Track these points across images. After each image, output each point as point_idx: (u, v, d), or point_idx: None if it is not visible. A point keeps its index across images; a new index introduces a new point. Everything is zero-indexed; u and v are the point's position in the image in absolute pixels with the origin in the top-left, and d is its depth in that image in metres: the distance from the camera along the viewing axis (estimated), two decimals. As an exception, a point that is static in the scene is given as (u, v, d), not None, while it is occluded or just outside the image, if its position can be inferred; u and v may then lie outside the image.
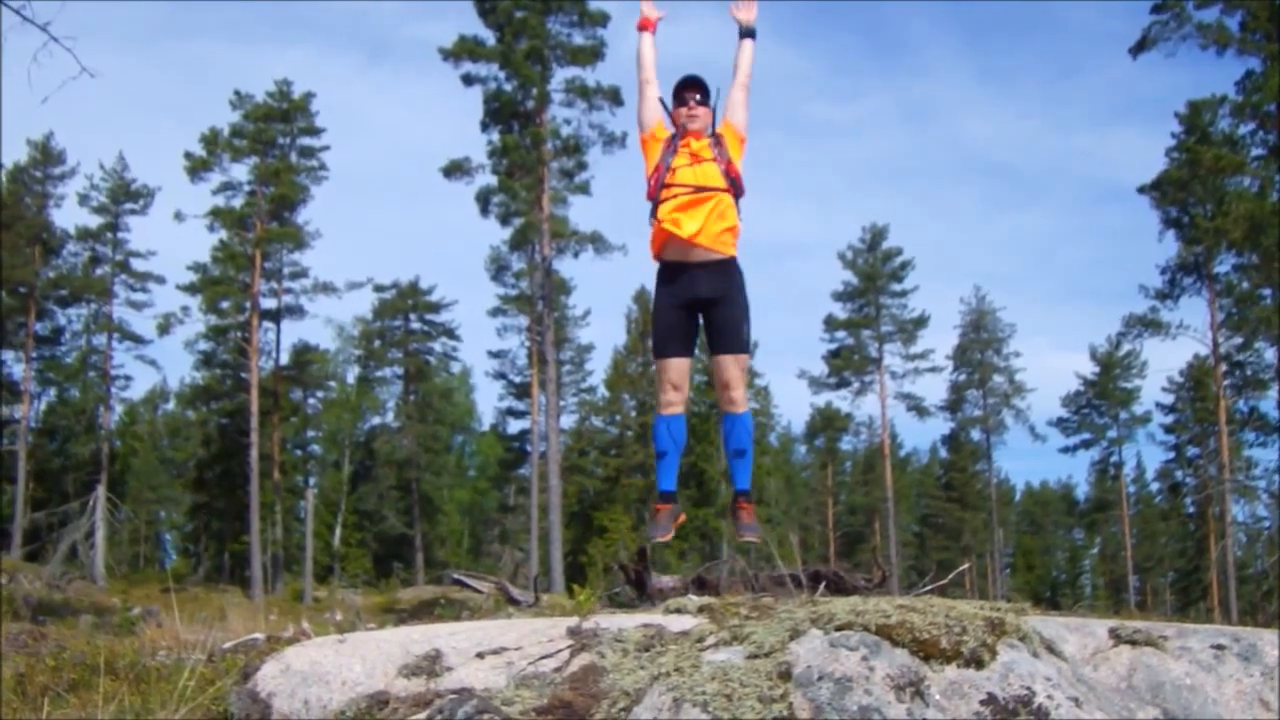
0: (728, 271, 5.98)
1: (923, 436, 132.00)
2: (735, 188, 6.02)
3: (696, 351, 6.29)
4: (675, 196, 5.94)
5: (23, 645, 7.79)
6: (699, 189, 5.92)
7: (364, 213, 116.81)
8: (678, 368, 6.04)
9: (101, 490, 43.77)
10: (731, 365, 6.00)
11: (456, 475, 70.13)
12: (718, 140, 6.08)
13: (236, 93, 49.11)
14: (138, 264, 52.83)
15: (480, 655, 4.08)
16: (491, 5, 41.97)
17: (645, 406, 57.02)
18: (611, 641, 4.00)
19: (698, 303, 5.99)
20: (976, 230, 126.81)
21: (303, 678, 4.03)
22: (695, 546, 52.01)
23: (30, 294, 49.33)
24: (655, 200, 6.02)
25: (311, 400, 58.17)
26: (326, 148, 50.56)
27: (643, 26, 6.30)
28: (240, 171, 48.48)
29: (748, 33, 6.31)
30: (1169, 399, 61.45)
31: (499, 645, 4.15)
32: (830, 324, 59.44)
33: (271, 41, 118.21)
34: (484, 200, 42.09)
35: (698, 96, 6.10)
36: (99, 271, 52.37)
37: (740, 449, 6.14)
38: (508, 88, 42.29)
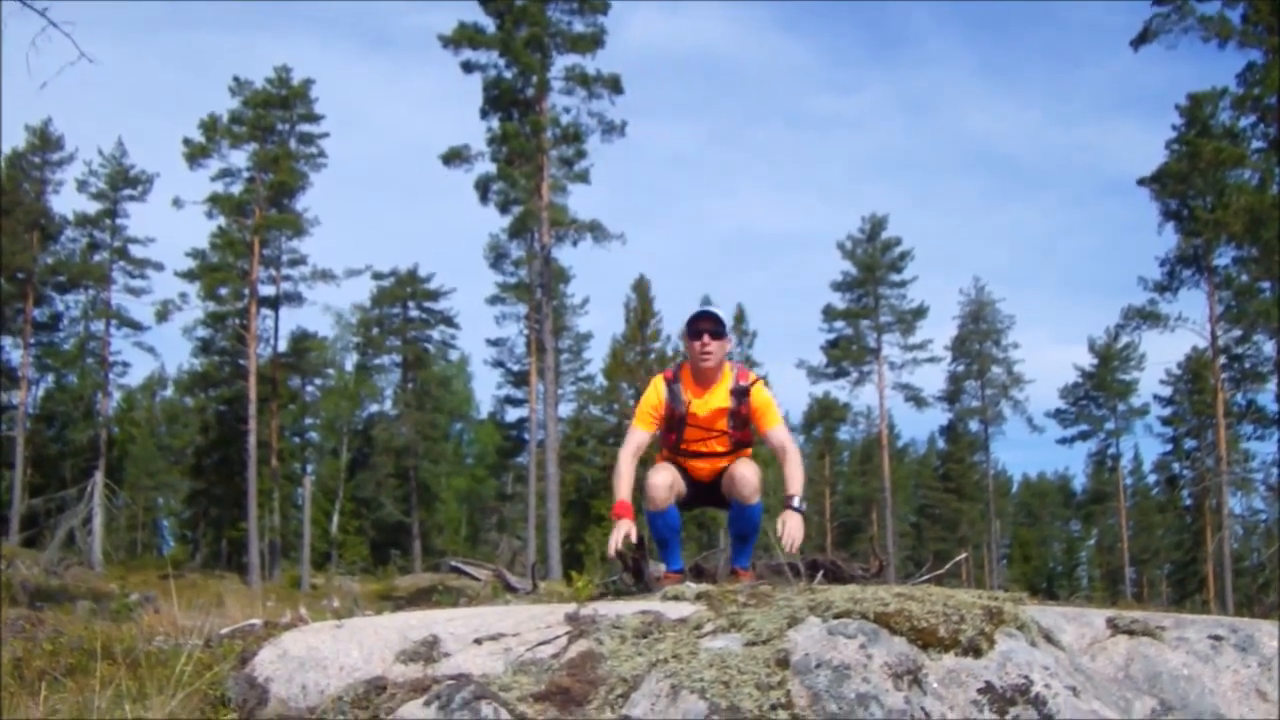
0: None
1: (921, 427, 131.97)
2: (743, 430, 6.12)
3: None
4: (691, 441, 6.11)
5: (20, 630, 7.79)
6: (709, 430, 6.06)
7: (363, 200, 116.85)
8: (673, 482, 6.07)
9: (99, 476, 43.76)
10: (746, 464, 6.05)
11: (454, 463, 70.15)
12: (742, 393, 6.08)
13: (236, 79, 49.06)
14: (136, 250, 52.84)
15: (478, 641, 4.08)
16: (491, -8, 41.95)
17: (643, 395, 56.98)
18: (609, 628, 4.00)
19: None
20: (976, 222, 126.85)
21: (300, 663, 4.03)
22: (693, 535, 52.05)
23: (28, 280, 49.27)
24: (677, 437, 6.16)
25: (310, 387, 58.22)
26: (326, 135, 50.54)
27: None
28: (239, 158, 48.48)
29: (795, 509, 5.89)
30: (1167, 391, 61.64)
31: (497, 631, 4.15)
32: (829, 314, 59.38)
33: (272, 30, 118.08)
34: (483, 188, 42.04)
35: (712, 329, 6.02)
36: (97, 258, 52.30)
37: (744, 534, 6.17)
38: (507, 75, 42.23)
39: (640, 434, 6.08)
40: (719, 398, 6.04)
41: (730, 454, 6.11)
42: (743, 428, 6.09)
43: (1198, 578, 58.79)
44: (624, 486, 5.91)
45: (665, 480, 5.94)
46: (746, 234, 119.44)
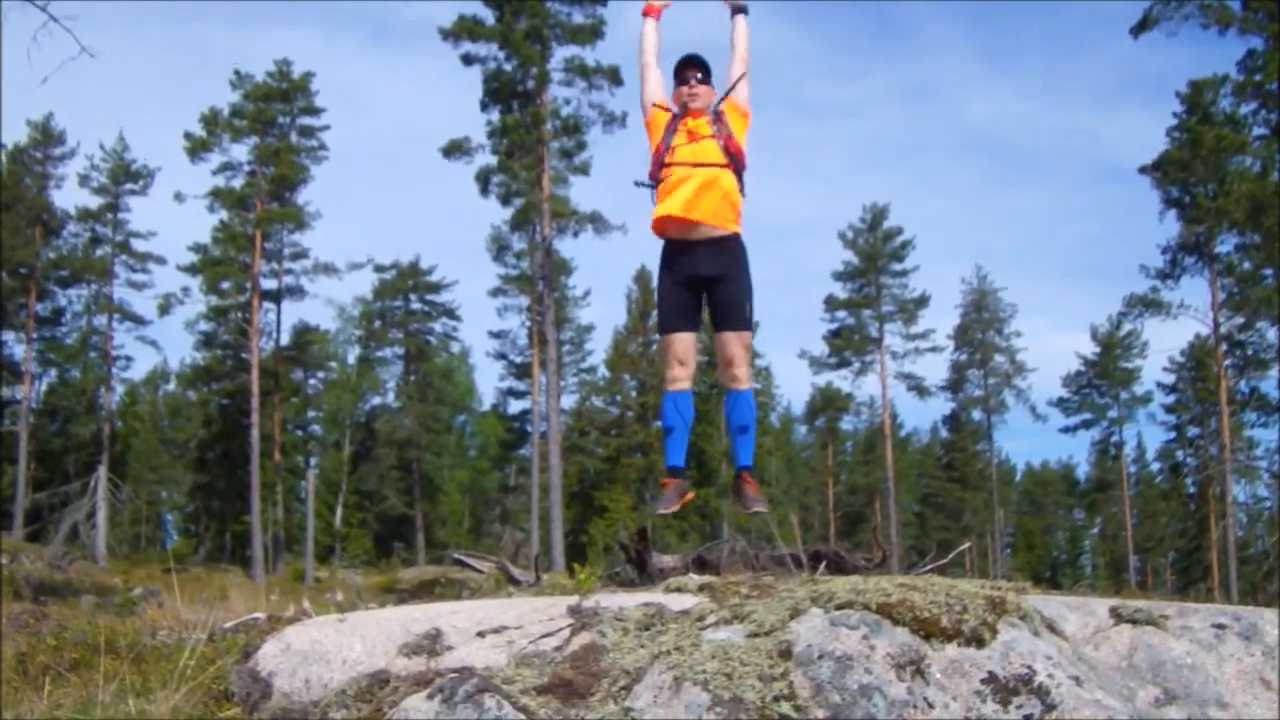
0: (730, 248, 5.97)
1: (923, 416, 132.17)
2: (735, 163, 6.01)
3: (700, 329, 6.31)
4: (674, 174, 5.94)
5: (24, 625, 7.80)
6: (697, 165, 5.90)
7: (364, 193, 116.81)
8: (683, 343, 6.05)
9: (102, 471, 43.74)
10: (734, 342, 6.00)
11: (457, 455, 70.22)
12: (719, 117, 6.06)
13: (236, 72, 49.02)
14: (138, 244, 52.91)
15: (481, 634, 4.09)
16: (491, -16, 41.88)
17: (646, 387, 57.06)
18: (612, 620, 4.00)
19: (700, 280, 5.99)
20: (978, 210, 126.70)
21: (303, 657, 4.04)
22: (696, 526, 52.10)
23: (31, 275, 49.31)
24: (656, 179, 6.03)
25: (312, 381, 58.24)
26: (327, 127, 50.54)
27: (647, 12, 6.26)
28: (240, 152, 48.46)
29: (739, 9, 6.24)
30: (1170, 379, 61.53)
31: (500, 624, 4.15)
32: (831, 304, 59.43)
33: (272, 23, 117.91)
34: (484, 180, 42.02)
35: (698, 75, 6.09)
36: (99, 252, 52.37)
37: (743, 425, 6.16)
38: (507, 67, 42.14)
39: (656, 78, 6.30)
40: (701, 124, 6.04)
41: (719, 166, 5.97)
42: (728, 138, 6.05)
43: (1202, 566, 58.83)
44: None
45: (686, 355, 6.02)
46: (749, 222, 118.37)
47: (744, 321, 6.05)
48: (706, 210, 5.87)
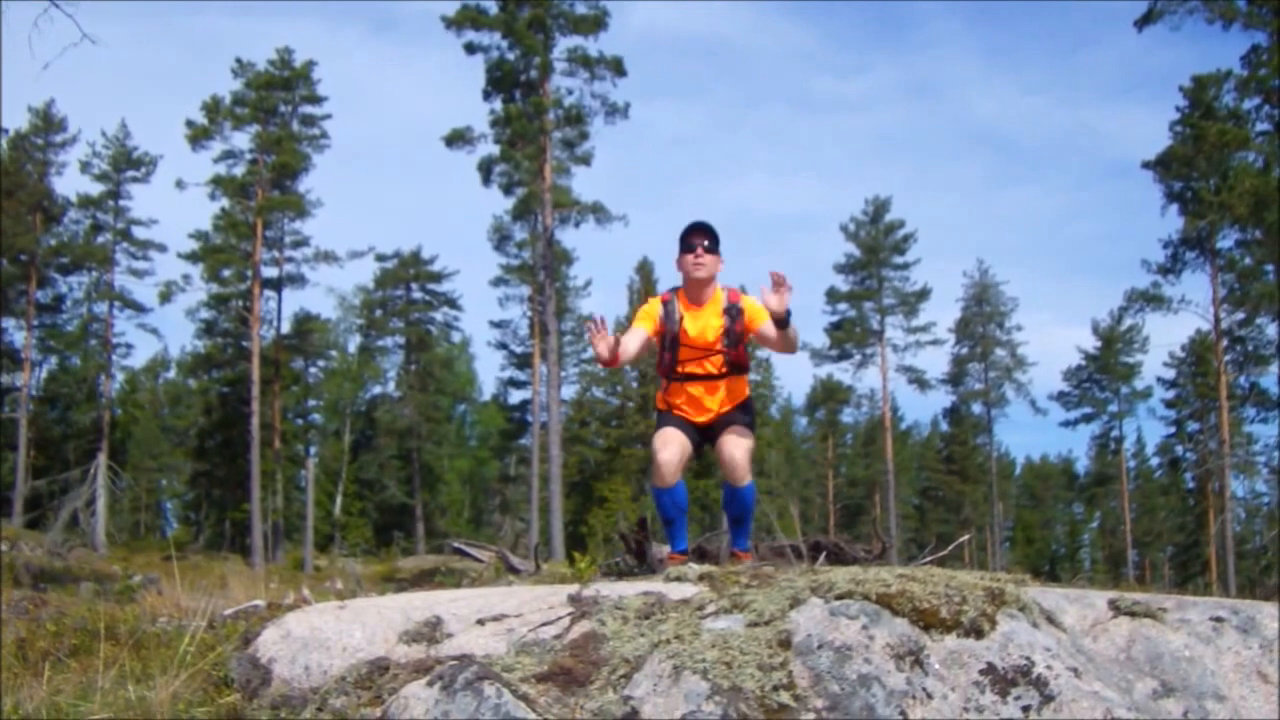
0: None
1: (924, 409, 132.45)
2: (737, 348, 6.10)
3: (695, 446, 6.37)
4: (686, 361, 6.10)
5: (24, 611, 7.80)
6: (706, 349, 6.05)
7: (366, 182, 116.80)
8: (678, 442, 6.06)
9: (102, 458, 43.85)
10: (736, 445, 6.03)
11: (457, 445, 70.26)
12: (736, 311, 6.07)
13: (238, 60, 48.93)
14: (139, 232, 52.77)
15: (481, 622, 4.09)
16: (494, -27, 41.84)
17: (646, 378, 57.02)
18: (612, 609, 4.01)
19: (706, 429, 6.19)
20: (980, 204, 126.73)
21: (303, 643, 4.04)
22: (695, 517, 52.15)
23: (31, 261, 49.24)
24: (672, 358, 6.14)
25: (313, 369, 58.24)
26: (328, 116, 50.45)
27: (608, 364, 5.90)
28: (241, 140, 48.36)
29: (781, 323, 5.79)
30: (1170, 374, 61.52)
31: (500, 612, 4.16)
32: (832, 296, 59.38)
33: (275, 13, 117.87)
34: (486, 170, 42.01)
35: (705, 243, 6.00)
36: (100, 239, 52.26)
37: (739, 517, 6.21)
38: (510, 57, 42.11)
39: (637, 329, 6.10)
40: (712, 317, 6.04)
41: (726, 376, 6.10)
42: (736, 345, 6.08)
43: (1200, 560, 58.89)
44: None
45: (674, 456, 5.95)
46: (749, 216, 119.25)
47: (746, 426, 6.13)
48: (721, 410, 6.15)
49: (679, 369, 6.11)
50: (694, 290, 6.06)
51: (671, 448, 5.97)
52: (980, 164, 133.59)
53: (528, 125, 41.36)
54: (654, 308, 6.12)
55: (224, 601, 9.29)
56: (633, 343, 5.94)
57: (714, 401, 6.10)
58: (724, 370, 6.09)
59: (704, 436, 6.20)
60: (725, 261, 6.12)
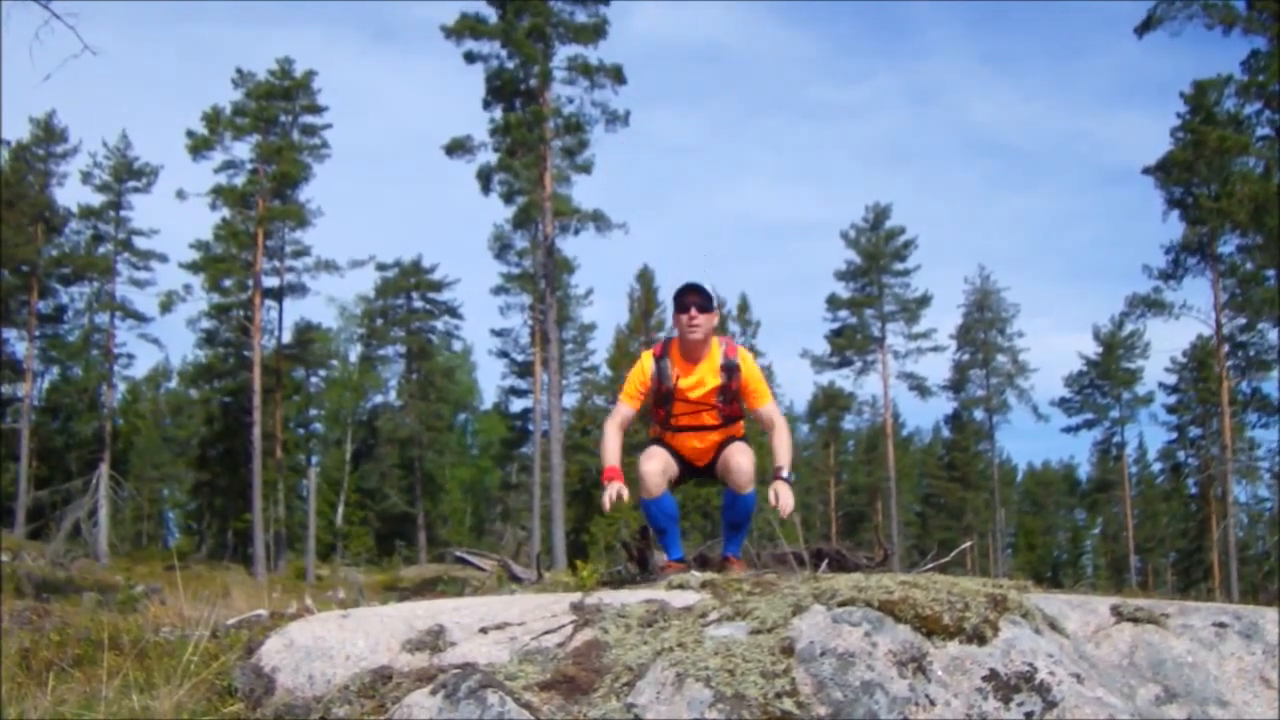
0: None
1: (925, 416, 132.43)
2: (732, 404, 6.16)
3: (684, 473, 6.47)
4: (681, 415, 6.15)
5: (27, 622, 7.81)
6: (701, 404, 6.10)
7: (366, 191, 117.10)
8: (664, 468, 6.11)
9: (104, 468, 43.80)
10: (741, 453, 6.08)
11: (459, 454, 70.31)
12: (732, 368, 6.12)
13: (238, 71, 49.06)
14: (140, 242, 52.91)
15: (484, 630, 4.10)
16: (493, -18, 41.85)
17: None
18: (614, 617, 4.01)
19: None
20: (980, 211, 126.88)
21: (306, 652, 4.04)
22: (697, 525, 52.07)
23: (33, 272, 49.30)
24: (667, 413, 6.20)
25: (314, 378, 58.31)
26: (329, 126, 50.58)
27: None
28: (242, 150, 48.51)
29: (784, 480, 5.94)
30: (1172, 379, 61.49)
31: (502, 620, 4.16)
32: (833, 303, 59.40)
33: (275, 22, 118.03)
34: (486, 178, 41.98)
35: (698, 302, 6.03)
36: (101, 250, 52.37)
37: (737, 523, 6.24)
38: (510, 65, 42.11)
39: (626, 408, 6.16)
40: (708, 373, 6.06)
41: (721, 428, 6.15)
42: (732, 402, 6.12)
43: (1203, 566, 58.77)
44: (611, 453, 6.01)
45: (657, 467, 5.99)
46: (750, 223, 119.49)
47: (746, 443, 6.20)
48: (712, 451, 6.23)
49: (673, 422, 6.16)
50: (689, 348, 6.09)
51: (655, 461, 6.02)
52: (980, 170, 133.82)
53: (528, 134, 41.36)
54: (643, 373, 6.16)
55: (227, 611, 9.28)
56: (620, 439, 6.16)
57: (709, 449, 6.19)
58: (719, 423, 6.15)
59: (695, 473, 6.27)
60: (718, 317, 6.21)
